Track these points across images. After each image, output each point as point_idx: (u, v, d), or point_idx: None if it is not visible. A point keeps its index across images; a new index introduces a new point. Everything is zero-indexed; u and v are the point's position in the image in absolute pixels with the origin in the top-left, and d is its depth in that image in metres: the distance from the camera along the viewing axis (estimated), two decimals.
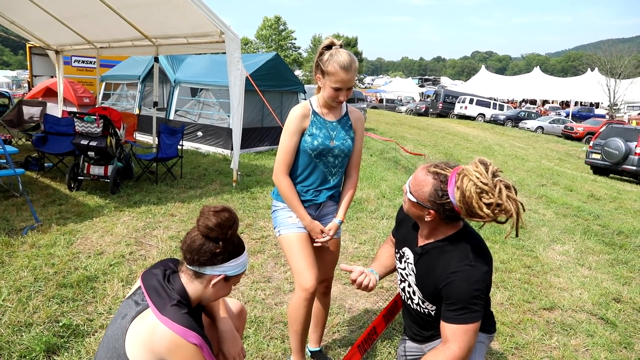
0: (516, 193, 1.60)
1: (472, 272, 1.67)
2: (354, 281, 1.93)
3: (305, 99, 13.23)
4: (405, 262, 1.97)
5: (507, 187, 1.59)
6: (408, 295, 1.99)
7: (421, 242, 1.88)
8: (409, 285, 1.96)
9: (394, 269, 2.20)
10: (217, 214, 1.54)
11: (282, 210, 2.35)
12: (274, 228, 2.39)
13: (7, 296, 3.12)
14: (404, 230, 2.02)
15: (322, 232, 2.31)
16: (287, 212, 2.32)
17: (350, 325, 3.14)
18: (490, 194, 1.56)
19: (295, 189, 2.28)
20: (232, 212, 1.59)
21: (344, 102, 2.32)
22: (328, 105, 2.27)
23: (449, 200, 1.64)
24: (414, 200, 1.73)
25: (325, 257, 2.45)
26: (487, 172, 1.59)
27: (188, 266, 1.59)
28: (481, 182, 1.56)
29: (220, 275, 1.58)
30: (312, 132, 2.25)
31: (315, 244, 2.32)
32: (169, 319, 1.44)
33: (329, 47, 2.15)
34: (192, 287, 1.60)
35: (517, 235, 1.63)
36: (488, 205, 1.56)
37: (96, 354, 1.60)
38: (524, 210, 1.60)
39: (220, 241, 1.56)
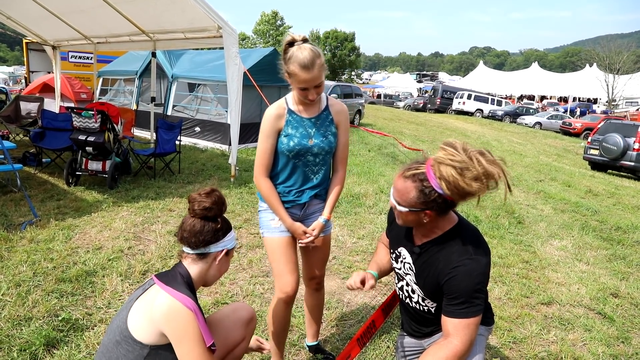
0: (491, 155, 1.60)
1: (473, 265, 1.67)
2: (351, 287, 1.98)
3: None
4: (401, 262, 1.96)
5: (482, 153, 1.59)
6: (406, 294, 1.99)
7: (418, 241, 1.86)
8: (407, 284, 1.96)
9: (392, 269, 2.20)
10: (208, 195, 1.72)
11: (265, 211, 2.29)
12: (260, 228, 2.35)
13: (7, 290, 3.12)
14: (398, 230, 1.99)
15: (306, 232, 2.24)
16: (270, 215, 2.26)
17: (349, 319, 3.15)
18: (471, 168, 1.55)
19: (275, 190, 2.21)
20: (219, 190, 1.77)
21: (324, 95, 2.23)
22: (304, 101, 2.16)
23: (437, 193, 1.63)
24: (406, 209, 1.71)
25: (314, 255, 2.40)
26: (457, 150, 1.59)
27: (192, 251, 1.70)
28: (456, 161, 1.56)
29: (222, 250, 1.74)
30: (287, 132, 2.15)
31: (299, 245, 2.28)
32: (171, 287, 1.55)
33: (291, 43, 2.00)
34: (196, 268, 1.71)
35: (510, 191, 1.62)
36: (474, 178, 1.55)
37: (100, 346, 1.65)
38: (505, 164, 1.61)
39: (218, 217, 1.74)
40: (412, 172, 1.67)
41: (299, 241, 2.26)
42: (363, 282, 1.96)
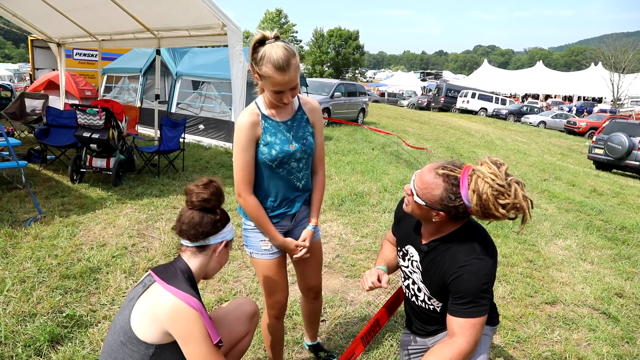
0: (525, 188, 1.60)
1: (480, 265, 1.66)
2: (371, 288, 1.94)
3: (307, 93, 13.17)
4: (409, 260, 1.96)
5: (519, 184, 1.58)
6: (412, 293, 1.98)
7: (426, 239, 1.86)
8: (414, 283, 1.95)
9: (399, 267, 2.19)
10: (206, 186, 1.70)
11: (252, 231, 2.14)
12: (245, 246, 2.21)
13: (11, 287, 3.13)
14: (406, 227, 1.99)
15: (297, 246, 2.13)
16: (259, 235, 2.11)
17: (353, 317, 3.15)
18: (506, 195, 1.55)
19: (262, 208, 2.04)
20: (216, 181, 1.74)
21: (297, 95, 2.04)
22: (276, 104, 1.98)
23: (462, 202, 1.62)
24: (423, 203, 1.69)
25: (308, 264, 2.31)
26: (500, 172, 1.58)
27: (191, 244, 1.69)
28: (497, 184, 1.55)
29: (222, 241, 1.73)
30: (266, 140, 1.96)
31: (294, 258, 2.19)
32: (173, 286, 1.53)
33: (262, 42, 1.79)
34: (196, 262, 1.70)
35: (522, 228, 1.64)
36: (504, 205, 1.55)
37: (103, 343, 1.65)
38: (532, 206, 1.60)
39: (217, 209, 1.73)
40: (447, 172, 1.66)
41: (294, 256, 2.16)
42: (379, 280, 1.94)
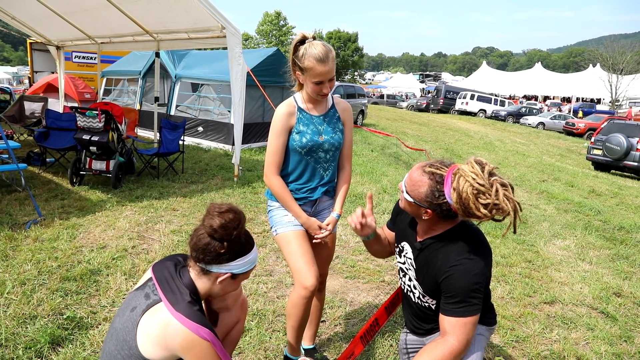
0: (512, 191, 1.60)
1: (471, 265, 1.68)
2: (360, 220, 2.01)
3: None
4: (404, 256, 1.98)
5: (504, 185, 1.58)
6: (409, 289, 2.01)
7: (420, 237, 1.88)
8: (410, 280, 1.98)
9: (390, 247, 2.21)
10: (221, 214, 1.55)
11: (277, 209, 2.31)
12: (271, 227, 2.35)
13: (12, 289, 3.14)
14: (402, 225, 2.02)
15: (320, 227, 2.27)
16: (283, 211, 2.28)
17: (352, 318, 3.16)
18: (487, 195, 1.55)
19: (287, 187, 2.24)
20: (237, 212, 1.59)
21: (330, 95, 2.27)
22: (313, 100, 2.22)
23: (445, 200, 1.65)
24: (411, 200, 1.74)
25: (321, 252, 2.40)
26: (483, 172, 1.58)
27: (196, 263, 1.61)
28: (477, 183, 1.56)
29: (226, 273, 1.61)
30: (299, 129, 2.20)
31: (314, 241, 2.28)
32: (182, 315, 1.46)
33: (302, 42, 2.08)
34: (201, 282, 1.62)
35: (514, 232, 1.64)
36: (485, 205, 1.56)
37: (104, 346, 1.61)
38: (520, 209, 1.60)
39: (225, 242, 1.56)
40: (433, 170, 1.69)
41: (315, 236, 2.26)
42: (363, 216, 2.01)
